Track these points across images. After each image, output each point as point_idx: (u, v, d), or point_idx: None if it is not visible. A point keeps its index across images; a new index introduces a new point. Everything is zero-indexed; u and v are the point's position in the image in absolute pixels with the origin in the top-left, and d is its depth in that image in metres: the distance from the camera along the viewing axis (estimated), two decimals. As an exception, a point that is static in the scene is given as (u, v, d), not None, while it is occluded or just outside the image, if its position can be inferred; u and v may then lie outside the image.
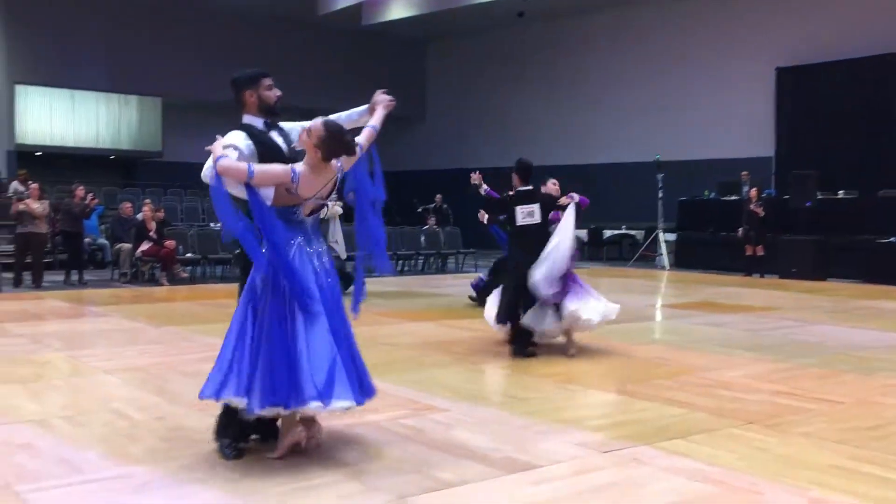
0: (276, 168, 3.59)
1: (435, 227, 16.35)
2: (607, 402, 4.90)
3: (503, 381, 5.66)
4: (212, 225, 15.07)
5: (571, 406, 4.82)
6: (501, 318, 6.39)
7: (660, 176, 16.45)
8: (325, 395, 3.41)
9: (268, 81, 3.79)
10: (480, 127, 23.12)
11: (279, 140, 3.78)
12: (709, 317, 8.92)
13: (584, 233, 18.99)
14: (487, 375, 5.80)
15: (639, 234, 18.60)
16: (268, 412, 3.45)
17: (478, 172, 6.57)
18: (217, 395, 3.55)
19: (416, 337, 7.31)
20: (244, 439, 3.74)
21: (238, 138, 3.66)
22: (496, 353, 6.56)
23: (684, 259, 16.46)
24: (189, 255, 13.15)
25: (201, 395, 3.58)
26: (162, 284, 12.18)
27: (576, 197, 6.43)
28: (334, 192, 3.81)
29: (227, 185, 3.50)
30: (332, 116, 3.97)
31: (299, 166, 3.63)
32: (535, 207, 6.41)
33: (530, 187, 6.46)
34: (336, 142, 3.63)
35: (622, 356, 6.45)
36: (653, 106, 19.48)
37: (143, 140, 21.63)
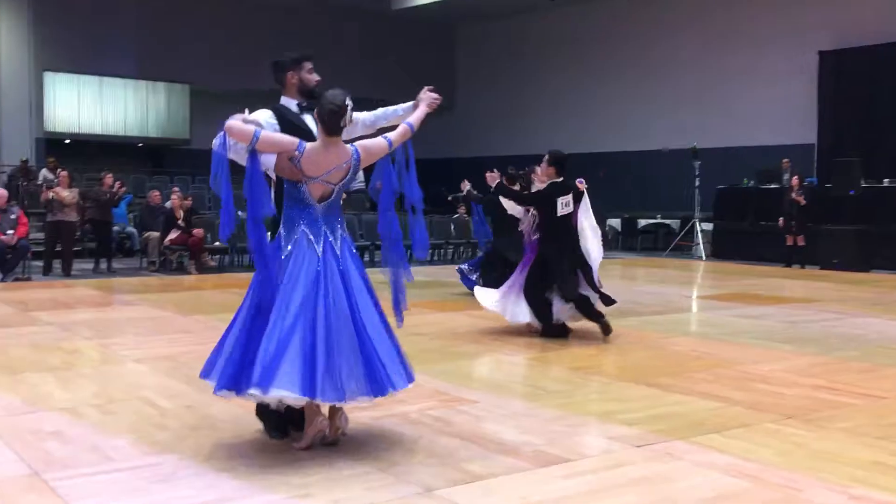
0: (284, 136, 3.61)
1: (465, 216, 16.35)
2: (640, 396, 4.88)
3: (533, 372, 5.67)
4: (240, 213, 15.22)
5: (603, 399, 4.81)
6: (545, 317, 6.63)
7: (696, 164, 16.31)
8: (262, 381, 3.33)
9: (309, 65, 3.88)
10: (510, 114, 23.04)
11: (312, 124, 3.81)
12: (746, 308, 8.85)
13: (617, 222, 18.89)
14: (517, 367, 5.81)
15: (674, 223, 18.44)
16: (224, 395, 3.49)
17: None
18: (203, 375, 3.65)
19: (444, 327, 7.34)
20: (283, 425, 3.79)
21: (263, 115, 3.73)
22: (526, 343, 6.56)
23: (721, 249, 16.32)
24: (217, 243, 13.29)
25: (200, 375, 3.70)
26: (190, 273, 12.33)
27: (584, 182, 6.70)
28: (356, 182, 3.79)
29: (231, 151, 3.53)
30: (379, 111, 4.00)
31: (311, 142, 3.64)
32: (570, 198, 6.63)
33: (561, 179, 6.69)
34: (333, 117, 3.57)
35: (656, 348, 6.42)
36: (690, 92, 19.27)
37: (171, 127, 21.85)
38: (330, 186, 3.63)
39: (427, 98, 3.97)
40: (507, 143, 22.46)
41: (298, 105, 3.84)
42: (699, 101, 19.10)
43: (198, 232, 12.68)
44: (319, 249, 3.57)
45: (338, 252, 3.60)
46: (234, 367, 3.46)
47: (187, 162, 21.14)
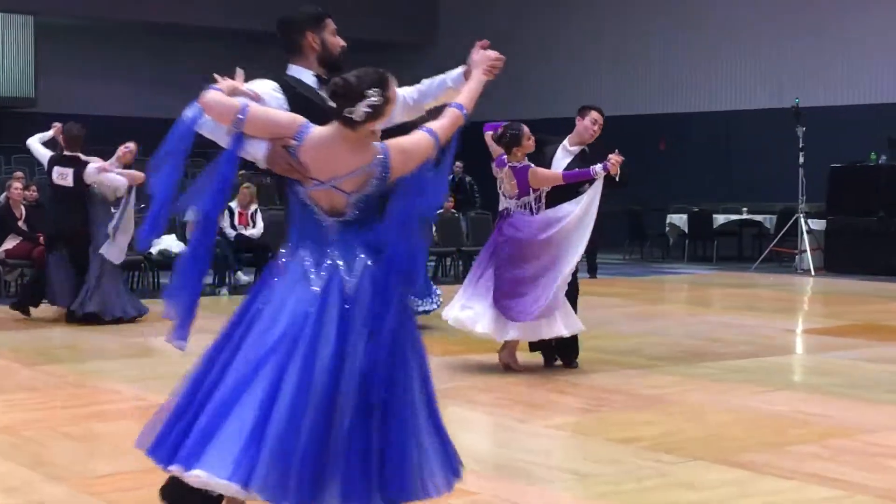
0: (281, 113, 3.63)
1: (453, 211, 16.39)
2: (721, 481, 4.88)
3: (558, 446, 5.66)
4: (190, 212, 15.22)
5: (667, 486, 4.81)
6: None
7: (800, 130, 16.32)
8: (187, 457, 3.40)
9: (333, 24, 3.99)
10: (514, 62, 23.11)
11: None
12: (875, 348, 8.87)
13: (682, 219, 18.91)
14: (531, 437, 5.81)
15: (768, 219, 18.52)
16: (167, 467, 3.52)
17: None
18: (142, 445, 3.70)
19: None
20: None
21: (264, 87, 3.77)
22: (544, 402, 6.56)
23: (838, 258, 16.38)
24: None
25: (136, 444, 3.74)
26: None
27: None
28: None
29: (205, 128, 3.60)
30: (424, 84, 3.98)
31: (320, 127, 3.62)
32: None
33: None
34: (353, 92, 3.52)
35: (742, 409, 6.45)
36: (786, 23, 19.38)
37: (8, 82, 21.75)
38: (342, 197, 3.58)
39: (482, 60, 3.89)
40: (511, 100, 22.54)
41: (317, 77, 3.90)
42: (799, 33, 19.20)
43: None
44: (317, 285, 3.53)
45: (350, 292, 3.56)
46: (166, 428, 3.53)
47: (32, 132, 21.04)
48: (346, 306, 3.51)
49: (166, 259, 12.54)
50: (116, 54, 22.94)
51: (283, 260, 3.65)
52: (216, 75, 3.69)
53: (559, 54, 22.53)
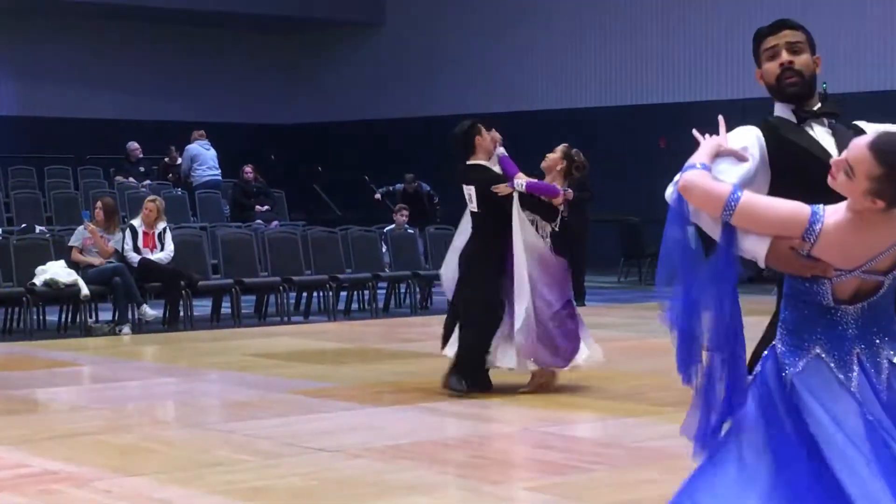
0: (780, 207, 3.54)
1: (407, 227, 16.38)
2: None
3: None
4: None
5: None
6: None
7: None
8: None
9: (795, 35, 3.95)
10: (461, 46, 23.23)
11: (830, 141, 3.84)
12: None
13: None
14: (503, 503, 5.81)
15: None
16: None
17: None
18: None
19: (377, 436, 7.34)
20: None
21: (746, 138, 3.74)
22: (528, 462, 6.56)
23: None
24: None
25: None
26: None
27: (517, 183, 8.52)
28: None
29: (693, 214, 3.58)
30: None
31: (831, 210, 3.53)
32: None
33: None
34: None
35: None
36: (810, 6, 19.61)
37: None
38: (874, 279, 3.58)
39: None
40: (471, 93, 22.63)
41: (795, 113, 3.90)
42: (824, 10, 19.41)
43: None
44: (853, 383, 3.58)
45: (883, 389, 3.54)
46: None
47: None
48: (885, 406, 3.53)
49: (53, 291, 12.41)
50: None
51: (786, 348, 3.62)
52: (696, 132, 3.66)
53: (514, 37, 22.65)
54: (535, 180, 8.63)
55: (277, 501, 5.75)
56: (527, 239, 8.52)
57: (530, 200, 8.57)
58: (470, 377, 8.41)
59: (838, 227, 3.46)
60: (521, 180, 8.52)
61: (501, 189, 8.55)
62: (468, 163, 8.81)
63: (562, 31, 22.09)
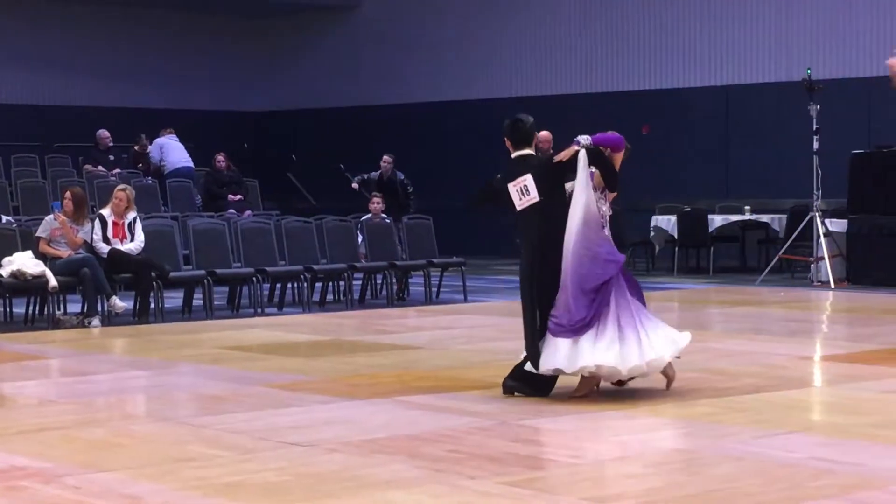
0: None
1: (384, 216, 16.34)
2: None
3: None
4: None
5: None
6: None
7: (814, 108, 16.40)
8: None
9: None
10: (437, 33, 23.17)
11: None
12: (912, 378, 8.96)
13: (669, 221, 18.94)
14: (481, 497, 5.81)
15: (776, 220, 18.63)
16: None
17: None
18: None
19: (352, 430, 7.34)
20: None
21: None
22: (506, 456, 6.57)
23: (863, 267, 16.52)
24: None
25: None
26: None
27: (582, 140, 7.95)
28: None
29: None
30: None
31: None
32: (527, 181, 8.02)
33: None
34: None
35: (749, 456, 6.46)
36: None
37: None
38: None
39: None
40: (447, 78, 22.59)
41: None
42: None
43: None
44: None
45: None
46: None
47: None
48: None
49: (21, 282, 12.36)
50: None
51: None
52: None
53: (492, 23, 22.63)
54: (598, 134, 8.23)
55: (251, 497, 5.74)
56: (589, 206, 8.01)
57: (596, 157, 8.13)
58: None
59: None
60: (583, 137, 8.11)
61: (565, 154, 8.10)
62: (518, 154, 8.25)
63: (540, 16, 22.03)
